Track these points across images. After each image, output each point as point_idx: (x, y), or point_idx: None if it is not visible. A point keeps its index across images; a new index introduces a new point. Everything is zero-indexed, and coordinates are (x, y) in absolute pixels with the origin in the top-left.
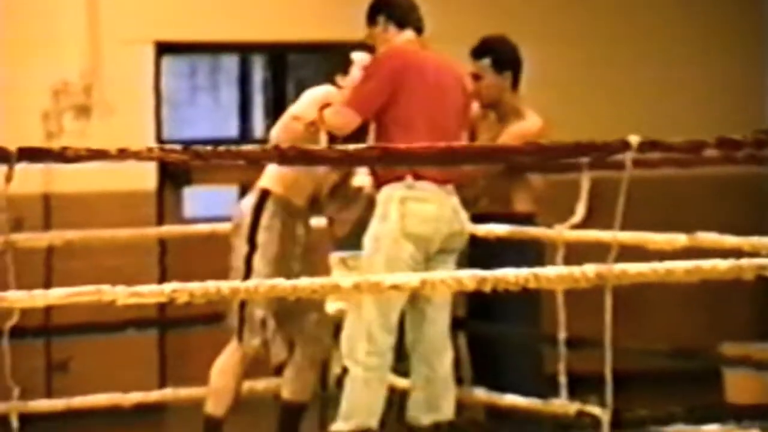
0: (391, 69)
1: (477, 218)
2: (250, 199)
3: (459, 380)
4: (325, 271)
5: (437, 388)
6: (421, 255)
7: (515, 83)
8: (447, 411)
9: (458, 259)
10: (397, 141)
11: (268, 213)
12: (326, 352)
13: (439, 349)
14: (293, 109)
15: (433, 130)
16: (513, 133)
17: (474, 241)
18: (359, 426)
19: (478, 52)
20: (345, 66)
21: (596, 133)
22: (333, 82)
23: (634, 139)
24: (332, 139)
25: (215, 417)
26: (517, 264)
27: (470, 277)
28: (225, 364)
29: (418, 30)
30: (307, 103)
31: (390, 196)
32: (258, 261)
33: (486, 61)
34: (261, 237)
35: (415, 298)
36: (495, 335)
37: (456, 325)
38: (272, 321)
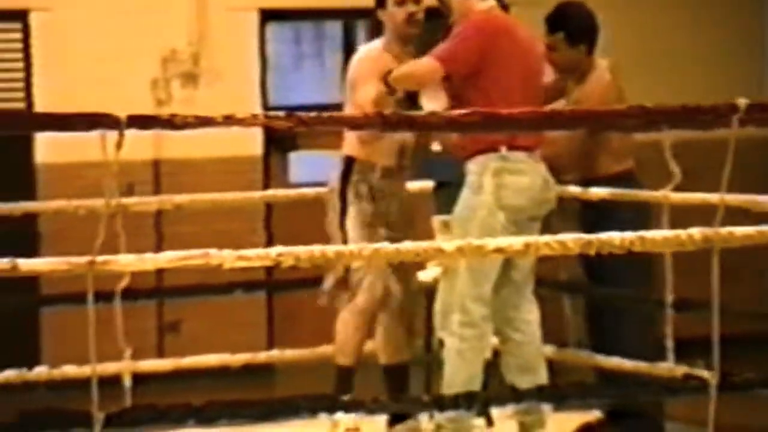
0: (483, 33)
1: (585, 183)
2: (338, 168)
3: (564, 343)
4: (428, 234)
5: (528, 352)
6: (518, 223)
7: (590, 51)
8: (542, 374)
9: (570, 224)
10: (496, 108)
11: (354, 179)
12: (413, 316)
13: (525, 314)
14: (357, 97)
15: (526, 97)
16: (586, 86)
17: (582, 205)
18: None
19: (551, 26)
20: (445, 31)
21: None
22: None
23: (741, 102)
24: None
25: (344, 366)
26: (627, 226)
27: (575, 240)
28: (347, 314)
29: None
30: (361, 70)
31: (484, 166)
32: (351, 227)
33: (559, 35)
34: (350, 204)
35: (505, 266)
36: (605, 298)
37: (561, 288)
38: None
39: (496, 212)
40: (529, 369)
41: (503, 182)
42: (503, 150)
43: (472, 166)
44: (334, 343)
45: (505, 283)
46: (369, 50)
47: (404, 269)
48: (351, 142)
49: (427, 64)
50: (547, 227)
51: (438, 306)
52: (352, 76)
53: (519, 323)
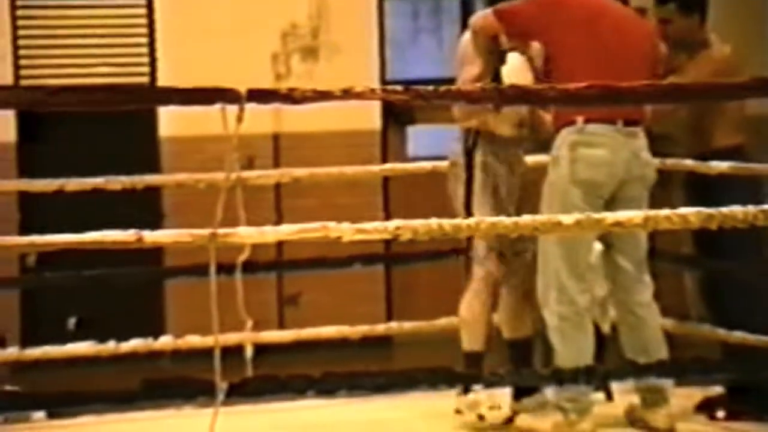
0: (542, 4)
1: (696, 157)
2: (460, 141)
3: (686, 317)
4: None
5: (642, 332)
6: (595, 201)
7: (703, 20)
8: (655, 353)
9: (677, 198)
10: (563, 80)
11: (479, 152)
12: (534, 290)
13: (635, 294)
14: (463, 75)
15: (607, 70)
16: (698, 64)
17: (694, 179)
18: None
19: None
20: None
21: None
22: None
23: None
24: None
25: (473, 351)
26: (739, 201)
27: (696, 213)
28: (470, 296)
29: None
30: (468, 48)
31: (563, 140)
32: (477, 203)
33: (671, 6)
34: (478, 179)
35: (607, 249)
36: (721, 272)
37: (683, 262)
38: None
39: (571, 188)
40: (645, 350)
41: (578, 155)
42: (579, 122)
43: (556, 141)
44: (459, 326)
45: (613, 271)
46: None
47: (523, 242)
48: (462, 114)
49: (485, 18)
50: (653, 203)
51: (538, 283)
52: (460, 54)
53: (632, 305)
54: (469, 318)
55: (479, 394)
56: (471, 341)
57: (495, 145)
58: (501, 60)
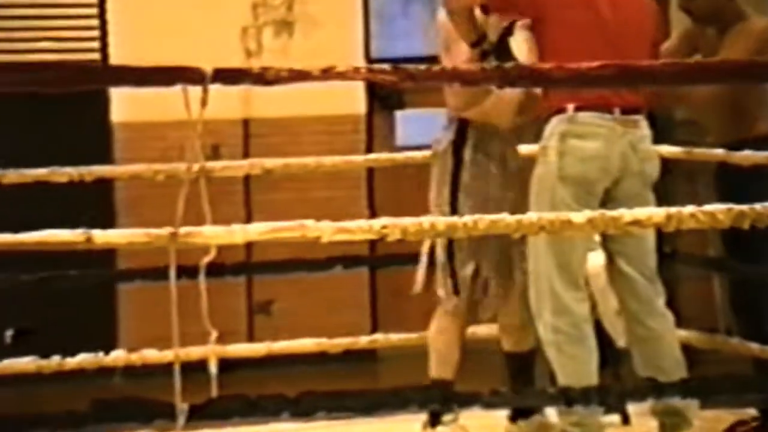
0: None
1: (729, 146)
2: (448, 132)
3: (714, 329)
4: None
5: (653, 346)
6: (589, 199)
7: None
8: (671, 370)
9: (705, 193)
10: (557, 61)
11: (469, 145)
12: None
13: (644, 304)
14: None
15: (605, 49)
16: (735, 37)
17: (725, 172)
18: None
19: None
20: None
21: None
22: None
23: None
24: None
25: (442, 380)
26: None
27: (725, 211)
28: (439, 322)
29: None
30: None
31: (552, 130)
32: (464, 203)
33: None
34: (465, 175)
35: (610, 256)
36: (753, 278)
37: (710, 266)
38: (485, 272)
39: (558, 185)
40: (659, 367)
41: (567, 148)
42: (570, 110)
43: (545, 131)
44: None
45: (618, 279)
46: None
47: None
48: (461, 102)
49: None
50: (672, 197)
51: (530, 293)
52: (442, 36)
53: (642, 315)
54: (439, 345)
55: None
56: (439, 369)
57: (489, 139)
58: (509, 32)
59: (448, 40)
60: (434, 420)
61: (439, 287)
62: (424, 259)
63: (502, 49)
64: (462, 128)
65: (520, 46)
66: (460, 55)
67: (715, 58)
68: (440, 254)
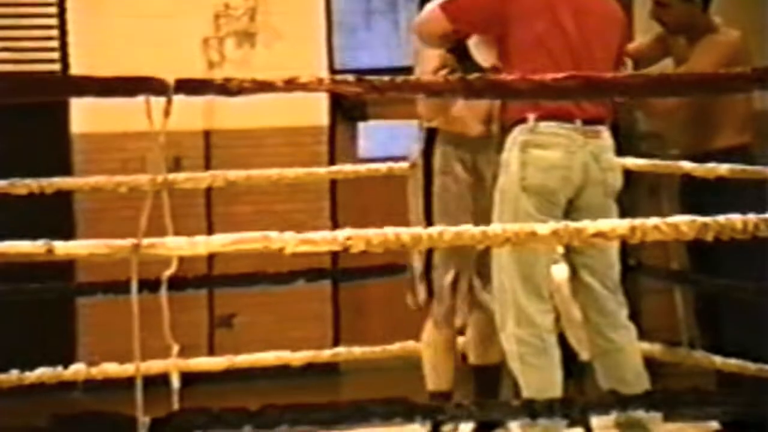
0: None
1: (694, 158)
2: (419, 142)
3: (676, 342)
4: None
5: (615, 359)
6: (551, 209)
7: (706, 5)
8: (633, 382)
9: (669, 205)
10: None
11: (439, 154)
12: None
13: (606, 316)
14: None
15: (567, 63)
16: (704, 48)
17: (689, 184)
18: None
19: None
20: None
21: None
22: None
23: None
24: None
25: (439, 392)
26: (742, 208)
27: (689, 223)
28: (426, 335)
29: None
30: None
31: (513, 140)
32: (437, 213)
33: None
34: (437, 184)
35: (573, 268)
36: (716, 291)
37: (673, 278)
38: (464, 282)
39: (521, 196)
40: (622, 379)
41: (529, 158)
42: (531, 120)
43: (507, 142)
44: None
45: (578, 285)
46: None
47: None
48: (428, 110)
49: (431, 18)
50: (636, 210)
51: (495, 305)
52: (415, 45)
53: (603, 327)
54: (431, 358)
55: None
56: (436, 382)
57: (459, 148)
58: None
59: (421, 50)
60: (434, 431)
61: (416, 295)
62: (416, 272)
63: (462, 50)
64: (431, 137)
65: (478, 46)
66: (430, 61)
67: (680, 69)
68: (417, 263)
